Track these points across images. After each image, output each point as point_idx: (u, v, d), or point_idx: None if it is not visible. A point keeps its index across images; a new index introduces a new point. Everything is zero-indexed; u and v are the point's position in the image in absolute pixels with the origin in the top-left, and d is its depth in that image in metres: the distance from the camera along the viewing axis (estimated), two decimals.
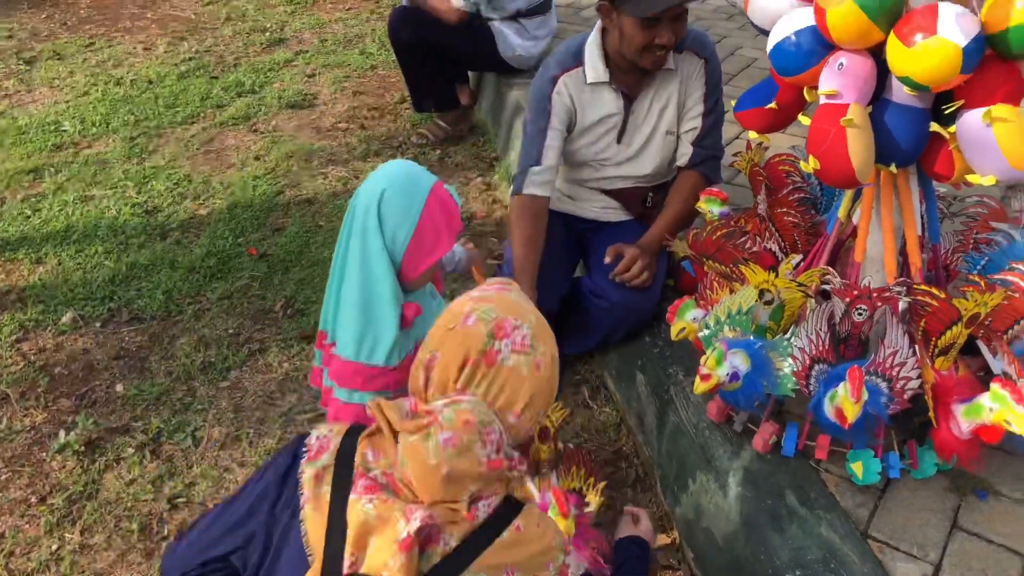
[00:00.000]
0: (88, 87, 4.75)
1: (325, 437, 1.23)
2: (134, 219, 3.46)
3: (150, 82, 4.77)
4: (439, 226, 1.55)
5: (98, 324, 2.87)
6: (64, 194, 3.66)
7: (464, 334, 1.16)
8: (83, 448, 2.36)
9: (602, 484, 1.43)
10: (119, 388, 2.59)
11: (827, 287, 1.71)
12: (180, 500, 2.21)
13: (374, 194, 1.53)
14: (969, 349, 1.69)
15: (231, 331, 2.82)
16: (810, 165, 1.60)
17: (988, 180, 1.52)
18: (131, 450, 2.36)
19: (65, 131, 4.23)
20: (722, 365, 1.62)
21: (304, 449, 1.22)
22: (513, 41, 3.73)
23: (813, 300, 1.72)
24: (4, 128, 4.26)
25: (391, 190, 1.52)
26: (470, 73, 4.28)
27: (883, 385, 1.60)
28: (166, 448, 2.37)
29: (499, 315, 1.17)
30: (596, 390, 2.49)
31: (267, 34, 5.41)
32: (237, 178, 3.75)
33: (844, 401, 1.52)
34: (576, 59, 2.36)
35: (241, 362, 2.68)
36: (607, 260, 2.26)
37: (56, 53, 5.27)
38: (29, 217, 3.50)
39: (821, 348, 1.66)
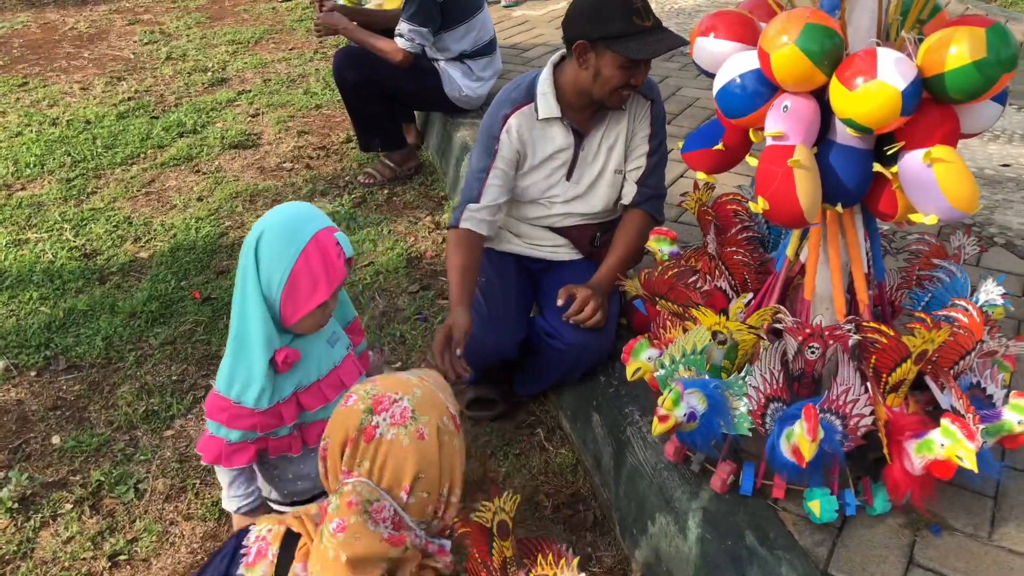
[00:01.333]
0: (21, 127, 4.63)
1: (263, 540, 1.20)
2: (71, 263, 3.35)
3: (88, 122, 4.67)
4: (316, 274, 1.51)
5: (33, 373, 2.76)
6: None
7: (344, 414, 1.17)
8: (16, 505, 2.25)
9: (575, 560, 1.39)
10: (55, 440, 2.49)
11: (779, 325, 1.73)
12: (122, 557, 2.11)
13: (255, 234, 1.53)
14: (918, 385, 1.73)
15: (175, 378, 2.74)
16: (759, 206, 1.62)
17: (931, 219, 1.56)
18: (69, 506, 2.26)
19: None
20: (679, 406, 1.62)
21: (242, 552, 1.19)
22: (459, 82, 3.75)
23: (766, 340, 1.74)
24: None
25: (270, 232, 1.51)
26: (416, 112, 4.29)
27: (837, 422, 1.61)
28: (107, 502, 2.28)
29: (378, 391, 1.17)
30: (552, 431, 2.47)
31: (209, 74, 5.35)
32: (179, 220, 3.67)
33: (800, 439, 1.53)
34: (528, 95, 2.37)
35: (186, 410, 2.60)
36: (559, 302, 2.26)
37: None
38: None
39: (775, 387, 1.67)
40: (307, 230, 1.52)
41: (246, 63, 5.54)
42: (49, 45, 6.06)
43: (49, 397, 2.66)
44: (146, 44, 5.98)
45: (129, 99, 4.99)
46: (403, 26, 3.57)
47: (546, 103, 2.33)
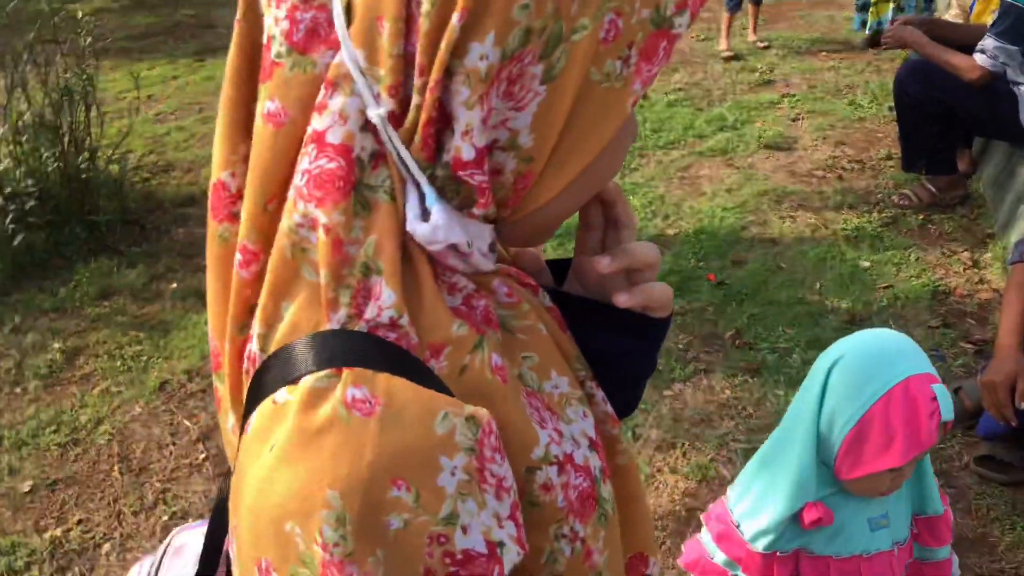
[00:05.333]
0: None
1: None
2: None
3: (641, 106, 5.15)
4: (894, 429, 1.21)
5: None
6: None
7: None
8: None
9: None
10: None
11: None
12: None
13: (832, 356, 1.30)
14: None
15: (681, 346, 2.94)
16: None
17: None
18: None
19: None
20: None
21: None
22: None
23: None
24: None
25: (852, 359, 1.27)
26: (976, 138, 3.95)
27: None
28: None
29: None
30: None
31: (756, 74, 5.52)
32: (707, 207, 3.89)
33: None
34: None
35: (686, 377, 2.79)
36: None
37: None
38: None
39: None
40: (899, 371, 1.24)
41: (794, 67, 5.60)
42: None
43: None
44: (702, 40, 6.36)
45: (679, 90, 5.38)
46: (988, 42, 3.29)
47: None
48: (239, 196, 0.57)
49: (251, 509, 0.50)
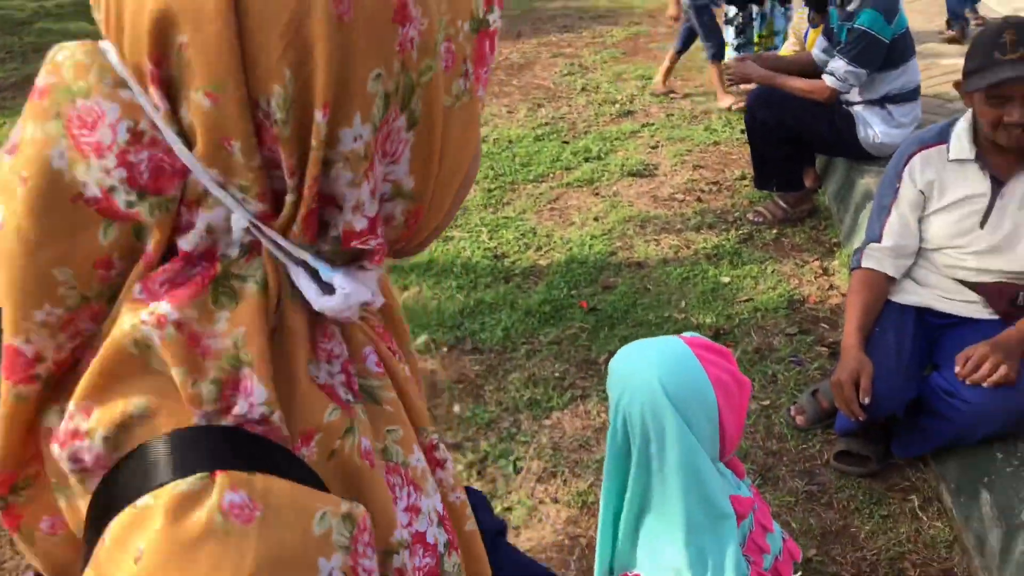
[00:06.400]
0: None
1: None
2: (484, 261, 3.82)
3: (510, 142, 5.26)
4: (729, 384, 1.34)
5: (445, 349, 3.21)
6: None
7: None
8: None
9: None
10: (456, 408, 2.87)
11: None
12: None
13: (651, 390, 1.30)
14: None
15: (557, 374, 3.01)
16: None
17: None
18: (460, 467, 2.60)
19: None
20: None
21: None
22: (877, 128, 3.63)
23: None
24: None
25: (667, 376, 1.31)
26: (818, 156, 4.23)
27: None
28: (490, 471, 2.58)
29: None
30: (928, 501, 2.30)
31: (617, 106, 5.73)
32: (576, 235, 4.00)
33: None
34: (940, 137, 2.34)
35: (564, 405, 2.85)
36: (957, 370, 2.12)
37: None
38: None
39: None
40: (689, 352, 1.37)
41: (652, 98, 5.84)
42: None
43: (455, 372, 3.08)
44: (565, 75, 6.57)
45: (546, 124, 5.53)
46: (839, 64, 3.55)
47: (959, 144, 2.28)
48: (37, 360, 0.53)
49: None
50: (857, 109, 3.66)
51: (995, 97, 2.10)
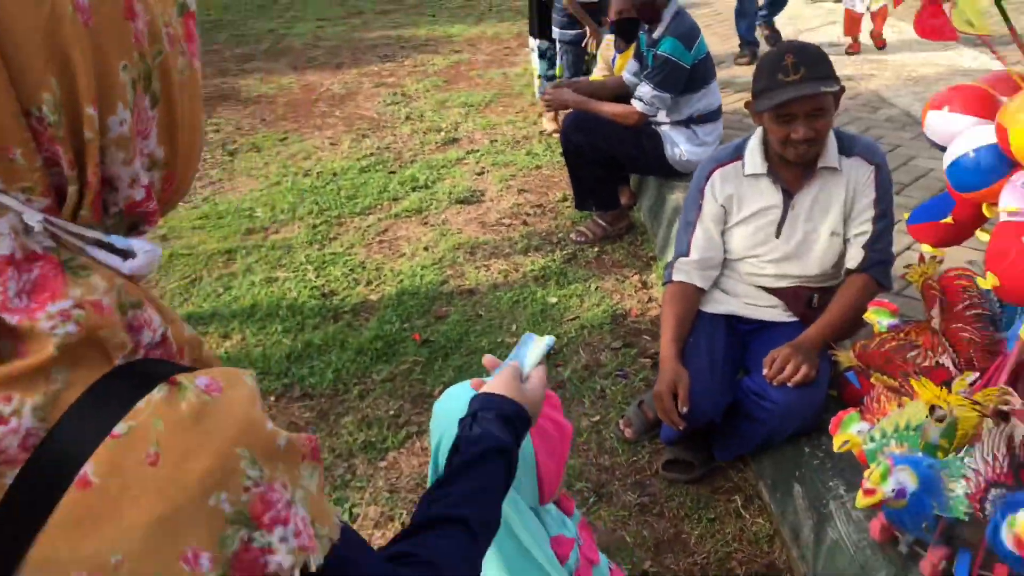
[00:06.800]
0: (280, 177, 5.21)
1: None
2: (312, 301, 3.72)
3: (334, 174, 5.17)
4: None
5: (273, 398, 3.09)
6: (252, 275, 3.99)
7: None
8: None
9: None
10: None
11: (1006, 408, 1.62)
12: None
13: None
14: None
15: (392, 412, 2.95)
16: (988, 282, 1.55)
17: None
18: None
19: (257, 217, 4.65)
20: (887, 481, 1.55)
21: None
22: (683, 146, 3.83)
23: (990, 420, 1.63)
24: (207, 213, 4.74)
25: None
26: (632, 175, 4.41)
27: None
28: None
29: None
30: (749, 499, 2.42)
31: (442, 133, 5.77)
32: (407, 267, 3.97)
33: None
34: (736, 153, 2.49)
35: (400, 443, 2.79)
36: (764, 372, 2.25)
37: (255, 146, 5.84)
38: (221, 295, 3.83)
39: (999, 471, 1.56)
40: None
41: (476, 124, 5.92)
42: (307, 104, 6.79)
43: (283, 421, 2.96)
44: (389, 105, 6.55)
45: (371, 155, 5.48)
46: (646, 90, 3.72)
47: (753, 160, 2.43)
48: None
49: (159, 514, 0.55)
50: (664, 129, 3.85)
51: (782, 116, 2.25)
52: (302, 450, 0.64)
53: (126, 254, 0.63)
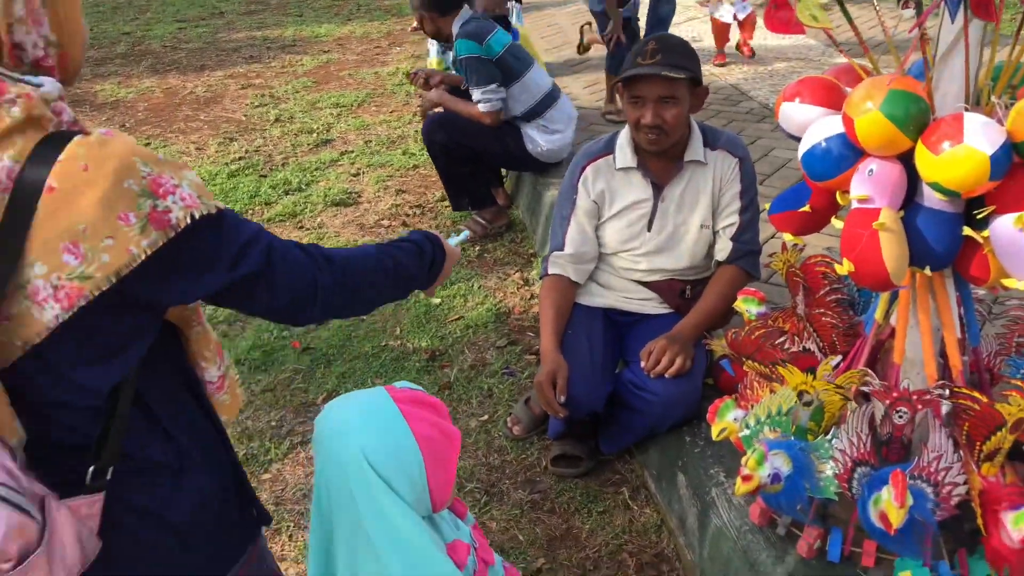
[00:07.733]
0: None
1: None
2: None
3: (203, 180, 4.97)
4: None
5: None
6: None
7: None
8: None
9: None
10: None
11: (867, 389, 1.71)
12: None
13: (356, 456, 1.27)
14: (1017, 455, 1.67)
15: (274, 423, 2.86)
16: (844, 268, 1.63)
17: None
18: None
19: None
20: (763, 466, 1.62)
21: None
22: (538, 138, 3.90)
23: (853, 402, 1.72)
24: None
25: (371, 444, 1.27)
26: (510, 173, 4.43)
27: (928, 490, 1.58)
28: None
29: None
30: (636, 490, 2.47)
31: (314, 135, 5.63)
32: None
33: (888, 506, 1.51)
34: (607, 148, 2.53)
35: (283, 454, 2.71)
36: (642, 364, 2.30)
37: None
38: None
39: (863, 450, 1.65)
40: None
41: (349, 125, 5.81)
42: (170, 108, 6.50)
43: None
44: (257, 107, 6.34)
45: (240, 159, 5.30)
46: (476, 93, 3.77)
47: (623, 154, 2.48)
48: None
49: (99, 196, 0.92)
50: (519, 124, 3.90)
51: (634, 99, 2.32)
52: (181, 163, 1.00)
53: (39, 86, 0.97)
